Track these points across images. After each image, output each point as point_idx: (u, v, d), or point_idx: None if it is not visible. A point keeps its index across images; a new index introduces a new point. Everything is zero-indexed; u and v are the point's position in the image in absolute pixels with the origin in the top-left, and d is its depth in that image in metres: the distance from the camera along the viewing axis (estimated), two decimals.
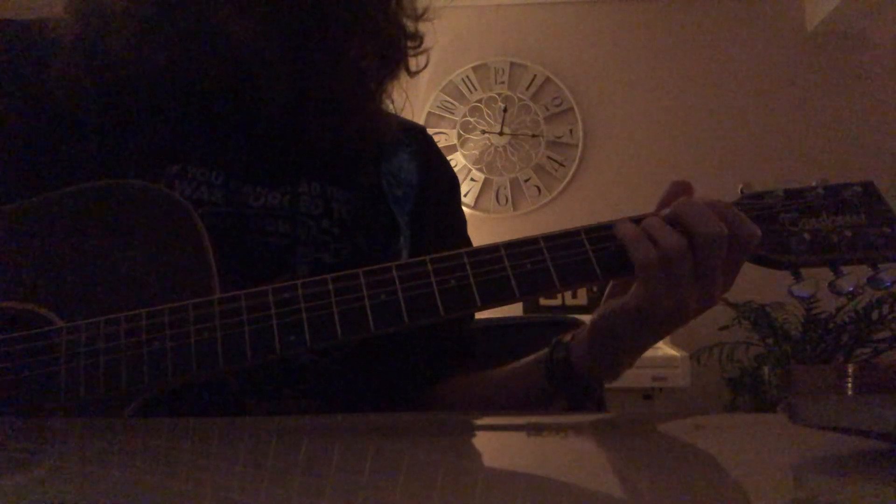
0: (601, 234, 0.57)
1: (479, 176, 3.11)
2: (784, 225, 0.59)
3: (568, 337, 0.63)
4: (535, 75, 3.13)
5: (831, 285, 0.59)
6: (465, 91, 3.15)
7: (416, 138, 0.80)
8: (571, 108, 3.11)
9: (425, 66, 0.75)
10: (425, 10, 0.74)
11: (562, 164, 3.10)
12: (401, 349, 0.70)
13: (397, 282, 0.54)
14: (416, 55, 0.74)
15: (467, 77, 3.15)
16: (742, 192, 0.62)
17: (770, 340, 2.47)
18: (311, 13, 0.64)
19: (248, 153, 0.67)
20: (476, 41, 3.09)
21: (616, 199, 3.00)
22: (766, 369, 2.46)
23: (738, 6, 3.08)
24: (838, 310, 2.34)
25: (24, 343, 0.52)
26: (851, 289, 0.58)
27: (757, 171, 2.90)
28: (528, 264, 0.55)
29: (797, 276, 0.59)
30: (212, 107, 0.66)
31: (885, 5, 2.75)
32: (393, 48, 0.71)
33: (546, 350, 0.64)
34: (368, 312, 0.53)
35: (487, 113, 3.14)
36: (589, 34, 3.14)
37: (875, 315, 2.34)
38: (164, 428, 0.48)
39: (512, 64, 3.15)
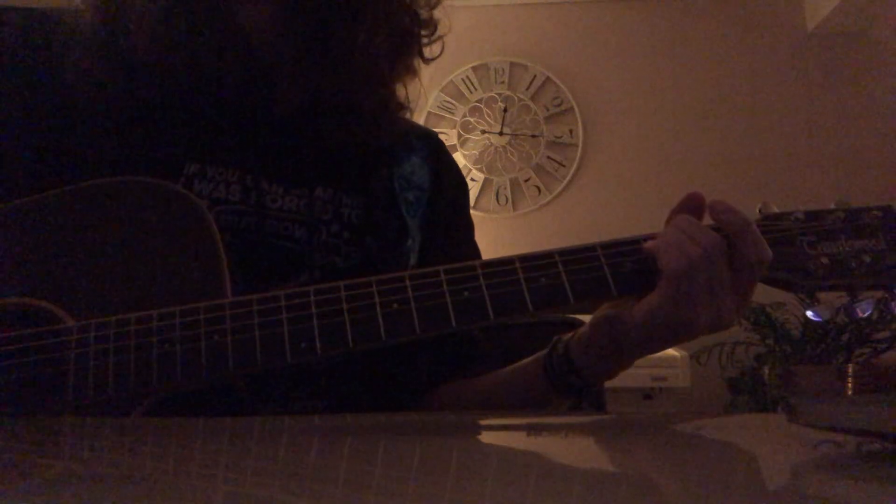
0: (618, 250, 0.56)
1: (479, 176, 3.11)
2: (802, 248, 0.58)
3: (568, 335, 0.63)
4: (535, 75, 3.13)
5: (848, 309, 0.59)
6: (465, 91, 3.15)
7: (429, 143, 0.81)
8: (571, 108, 3.11)
9: (440, 53, 0.75)
10: None
11: (562, 164, 3.10)
12: (404, 352, 0.70)
13: (410, 291, 0.53)
14: (430, 43, 0.74)
15: (467, 77, 3.14)
16: (760, 211, 0.61)
17: (770, 340, 2.47)
18: (324, 2, 0.64)
19: (265, 154, 0.67)
20: (476, 41, 3.09)
21: (616, 199, 3.00)
22: (766, 369, 2.45)
23: (739, 6, 3.08)
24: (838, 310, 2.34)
25: (33, 341, 0.51)
26: (868, 313, 0.58)
27: (756, 171, 2.90)
28: (543, 279, 0.54)
29: (813, 299, 0.59)
30: (229, 105, 0.66)
31: (885, 5, 2.75)
32: (406, 35, 0.71)
33: (546, 350, 0.64)
34: (380, 322, 0.52)
35: (487, 113, 3.14)
36: (589, 34, 3.14)
37: (875, 315, 2.34)
38: (173, 427, 0.48)
39: (512, 64, 3.14)
